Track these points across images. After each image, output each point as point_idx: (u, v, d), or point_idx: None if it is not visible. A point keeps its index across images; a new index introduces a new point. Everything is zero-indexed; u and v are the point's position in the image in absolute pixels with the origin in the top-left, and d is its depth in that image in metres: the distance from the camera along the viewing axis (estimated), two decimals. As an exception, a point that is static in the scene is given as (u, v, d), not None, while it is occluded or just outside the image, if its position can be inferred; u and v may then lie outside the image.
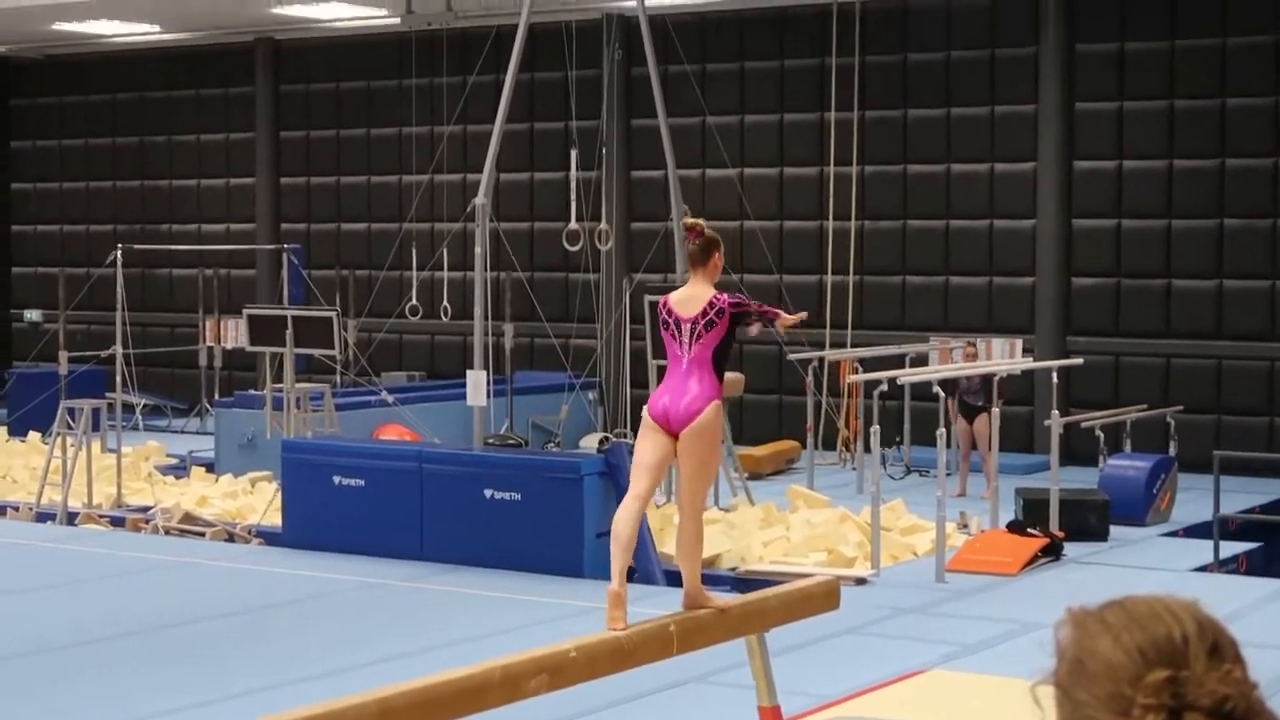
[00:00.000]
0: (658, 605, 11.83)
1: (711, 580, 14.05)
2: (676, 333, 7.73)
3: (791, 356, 20.52)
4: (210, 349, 25.53)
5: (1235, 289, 20.50)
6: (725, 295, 7.76)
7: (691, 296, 7.76)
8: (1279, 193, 20.26)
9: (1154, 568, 14.12)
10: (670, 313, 7.73)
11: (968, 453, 18.27)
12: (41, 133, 29.70)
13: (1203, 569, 14.38)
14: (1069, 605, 2.15)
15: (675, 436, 7.62)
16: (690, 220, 8.07)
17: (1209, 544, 15.03)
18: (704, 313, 7.65)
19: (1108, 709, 2.02)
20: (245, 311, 19.76)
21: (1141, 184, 20.95)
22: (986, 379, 17.50)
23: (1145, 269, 20.95)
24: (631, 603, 12.82)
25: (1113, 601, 2.11)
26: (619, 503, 14.19)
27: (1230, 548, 15.29)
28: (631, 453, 15.96)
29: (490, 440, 18.29)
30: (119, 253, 22.45)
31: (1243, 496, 17.62)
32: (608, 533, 14.24)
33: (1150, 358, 20.93)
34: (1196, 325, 20.67)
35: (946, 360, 20.13)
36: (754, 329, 8.40)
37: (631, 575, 14.10)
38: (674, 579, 13.85)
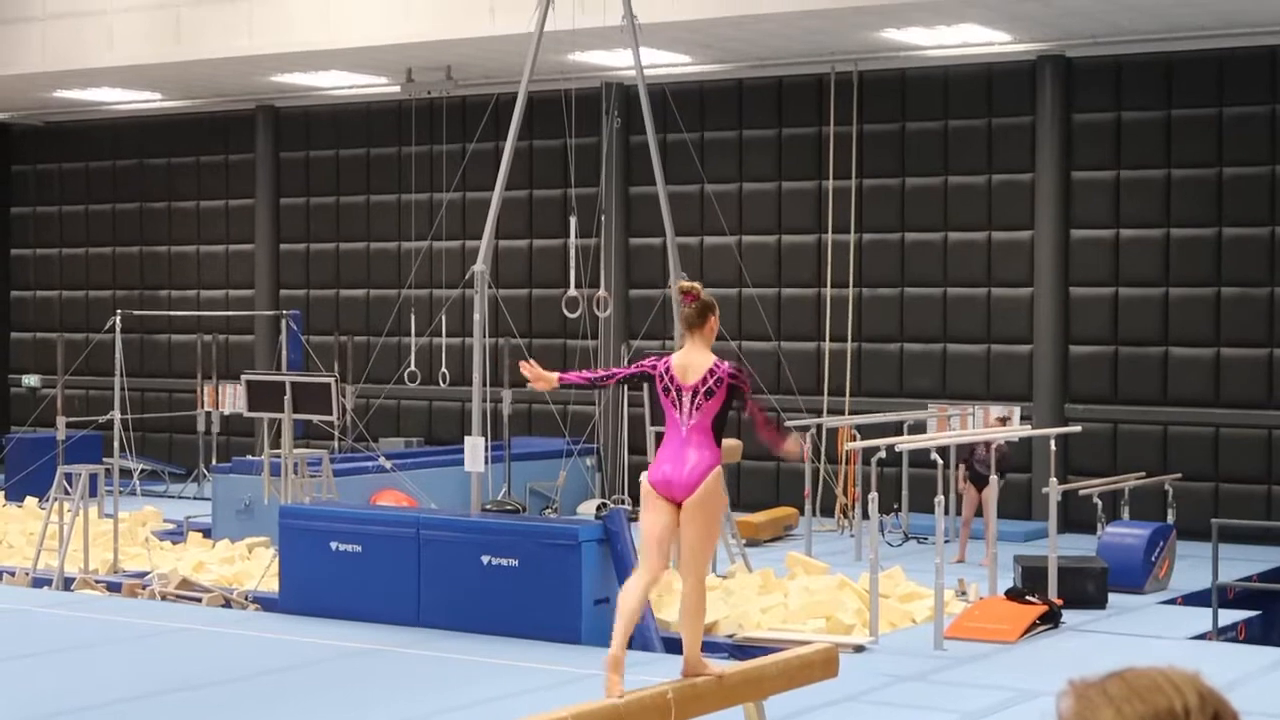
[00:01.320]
0: (655, 673, 11.79)
1: (709, 647, 13.99)
2: (677, 400, 7.74)
3: (790, 423, 20.48)
4: (208, 414, 25.51)
5: (1233, 357, 20.51)
6: (725, 364, 7.79)
7: (691, 364, 7.78)
8: (1276, 261, 20.31)
9: (1153, 635, 14.06)
10: (672, 379, 7.74)
11: (969, 519, 18.23)
12: (41, 198, 29.78)
13: (1201, 637, 14.33)
14: (1070, 677, 2.15)
15: (678, 504, 7.62)
16: (686, 284, 8.09)
17: (1207, 612, 14.98)
18: (704, 380, 7.69)
19: None
20: (244, 377, 19.75)
21: (1139, 252, 20.99)
22: (1000, 447, 17.51)
23: (1143, 337, 20.97)
24: (629, 670, 12.79)
25: (1114, 673, 2.11)
26: (617, 570, 14.24)
27: (1229, 616, 15.24)
28: (630, 519, 15.93)
29: (488, 506, 18.26)
30: (118, 318, 22.46)
31: (1241, 564, 17.59)
32: (606, 600, 14.26)
33: (1148, 425, 20.92)
34: (1194, 393, 20.68)
35: (944, 428, 20.11)
36: (746, 412, 8.39)
37: (630, 643, 14.09)
38: (672, 646, 13.81)
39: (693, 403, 7.72)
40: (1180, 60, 20.76)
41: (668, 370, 7.78)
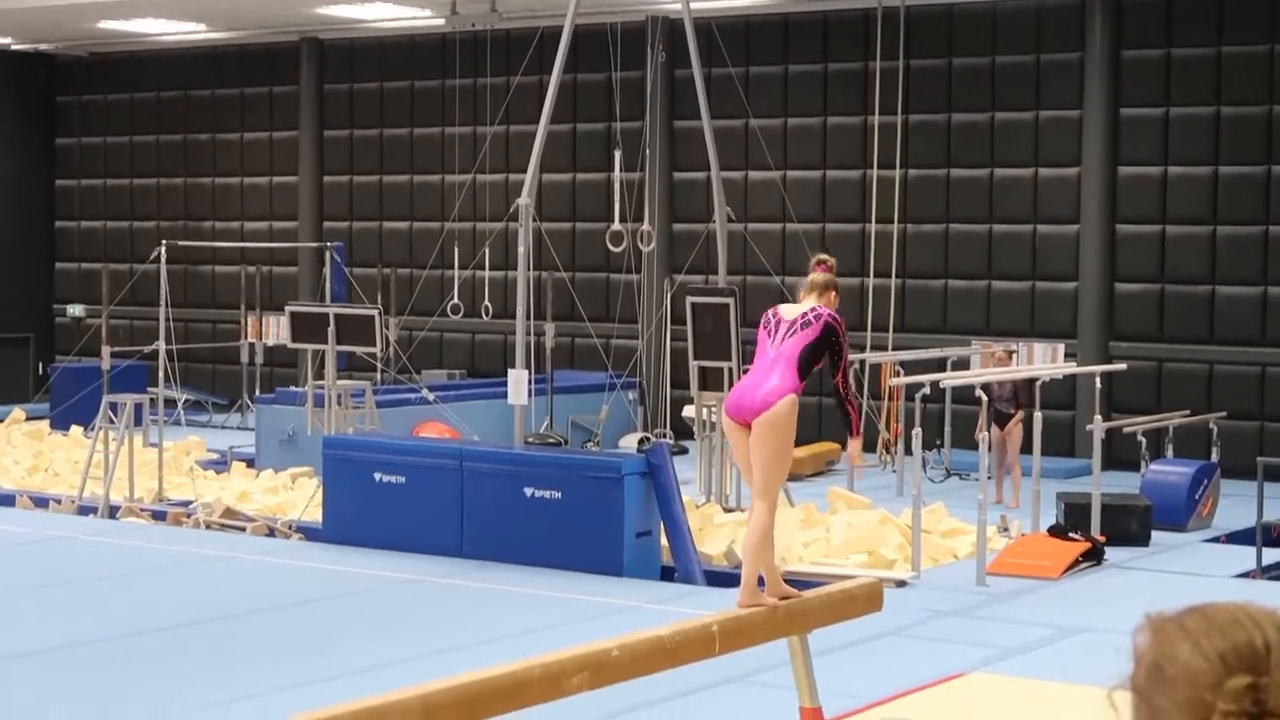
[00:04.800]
0: (698, 605, 11.80)
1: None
2: (773, 331, 7.94)
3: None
4: (252, 345, 25.58)
5: (1280, 296, 20.35)
6: (829, 310, 7.99)
7: (798, 306, 8.08)
8: (1325, 200, 20.11)
9: (1196, 573, 14.00)
10: (776, 314, 7.99)
11: (1001, 459, 18.07)
12: (86, 130, 29.81)
13: (1245, 575, 14.26)
14: (1147, 611, 2.11)
15: (748, 427, 7.68)
16: (824, 255, 8.71)
17: (1251, 550, 14.90)
18: (804, 315, 7.92)
19: (1186, 715, 1.98)
20: (287, 308, 19.76)
21: (1186, 190, 20.81)
22: (1017, 384, 17.41)
23: (1189, 275, 20.81)
24: (670, 601, 12.83)
25: (1193, 607, 2.07)
26: (660, 503, 14.26)
27: (1273, 554, 15.14)
28: (673, 453, 15.96)
29: (530, 439, 18.29)
30: (163, 249, 22.47)
31: (1286, 504, 17.48)
32: (648, 532, 14.30)
33: (1194, 364, 20.79)
34: (1241, 332, 20.52)
35: (989, 364, 19.99)
36: (837, 371, 8.44)
37: (672, 575, 14.10)
38: (713, 579, 13.84)
39: (787, 332, 7.90)
40: (1232, -4, 20.54)
41: (774, 312, 8.04)
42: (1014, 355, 19.46)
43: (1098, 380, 16.72)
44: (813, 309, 8.05)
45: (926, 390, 17.42)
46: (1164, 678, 2.01)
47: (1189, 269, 20.82)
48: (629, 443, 21.39)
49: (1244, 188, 20.49)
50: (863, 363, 20.23)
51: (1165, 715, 1.99)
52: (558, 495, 14.14)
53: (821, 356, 7.99)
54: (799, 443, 21.14)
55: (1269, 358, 20.41)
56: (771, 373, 7.77)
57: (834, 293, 8.30)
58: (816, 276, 8.35)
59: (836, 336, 8.03)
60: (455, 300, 21.83)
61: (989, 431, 17.27)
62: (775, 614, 7.57)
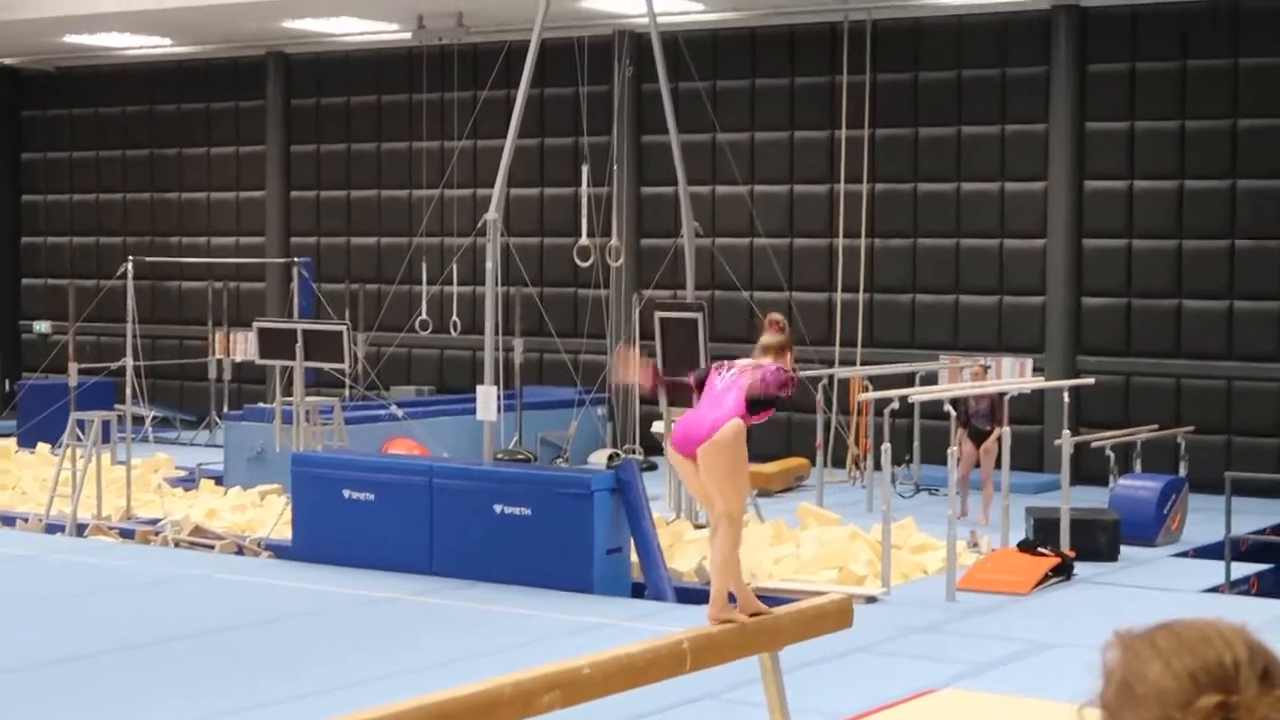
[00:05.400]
0: (668, 622, 11.80)
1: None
2: (724, 371, 7.70)
3: (801, 374, 20.40)
4: (219, 362, 25.51)
5: (1246, 310, 20.43)
6: (776, 368, 7.72)
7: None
8: (1290, 213, 20.21)
9: (1165, 588, 14.05)
10: (730, 363, 7.76)
11: (967, 475, 18.03)
12: (52, 144, 29.70)
13: (1214, 590, 14.31)
14: (1116, 628, 2.12)
15: (694, 459, 7.55)
16: (777, 315, 8.60)
17: (1220, 565, 14.96)
18: (756, 363, 7.67)
19: None
20: (255, 324, 19.72)
21: (1152, 204, 20.90)
22: (994, 400, 17.43)
23: (1156, 289, 20.89)
24: (641, 618, 12.82)
25: (1162, 625, 2.08)
26: (629, 519, 14.24)
27: (1242, 569, 15.22)
28: (642, 469, 15.94)
29: (500, 455, 18.26)
30: (129, 264, 22.40)
31: (1254, 518, 17.56)
32: (618, 549, 14.28)
33: (1161, 378, 20.87)
34: (1207, 346, 20.61)
35: (956, 379, 20.03)
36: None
37: (642, 592, 14.10)
38: (684, 595, 13.84)
39: (740, 371, 7.67)
40: (1195, 11, 20.62)
41: (729, 362, 7.86)
42: (988, 370, 19.46)
43: (1066, 395, 16.76)
44: (764, 364, 7.71)
45: (895, 405, 17.44)
46: (1134, 695, 2.02)
47: (1155, 283, 20.91)
48: (598, 459, 21.37)
49: (1209, 201, 20.58)
50: (831, 378, 20.26)
51: (1135, 733, 2.01)
52: (527, 512, 14.13)
53: (772, 406, 7.78)
54: (767, 459, 21.18)
55: (1236, 371, 20.50)
56: (720, 403, 7.59)
57: (789, 354, 7.95)
58: (769, 339, 8.01)
59: (770, 391, 7.67)
60: (423, 316, 21.80)
61: (959, 446, 17.30)
62: (745, 631, 7.57)
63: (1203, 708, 1.95)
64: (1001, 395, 17.03)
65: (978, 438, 17.71)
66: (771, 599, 10.31)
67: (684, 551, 15.13)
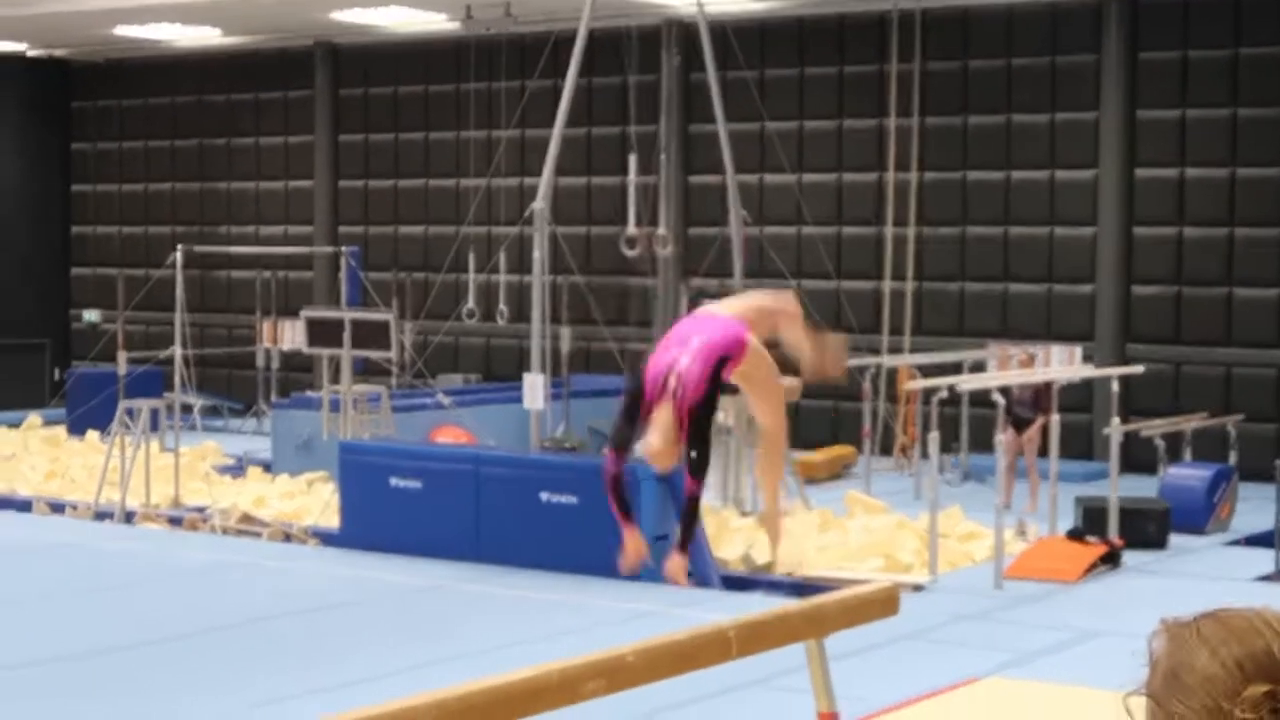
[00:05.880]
0: (714, 609, 11.78)
1: (767, 586, 14.00)
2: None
3: (850, 362, 20.37)
4: (267, 350, 25.59)
5: (1298, 298, 20.30)
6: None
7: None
8: (1343, 201, 20.06)
9: (1214, 577, 13.97)
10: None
11: (1013, 464, 17.94)
12: (101, 135, 29.86)
13: (1264, 579, 14.21)
14: (1163, 617, 2.10)
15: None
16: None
17: (1270, 553, 14.85)
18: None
19: None
20: (303, 314, 19.79)
21: (1203, 192, 20.77)
22: (1038, 389, 17.35)
23: (1206, 277, 20.76)
24: (687, 606, 12.81)
25: (1207, 614, 2.06)
26: (676, 507, 14.22)
27: (1292, 558, 15.10)
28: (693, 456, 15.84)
29: (546, 443, 18.26)
30: (178, 254, 22.48)
31: (1304, 507, 17.42)
32: (664, 536, 14.24)
33: (1211, 366, 20.74)
34: (1258, 334, 20.48)
35: (1005, 367, 19.93)
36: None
37: (690, 577, 14.07)
38: (730, 583, 13.83)
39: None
40: (1247, 0, 20.50)
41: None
42: (1035, 359, 19.36)
43: (1115, 383, 16.67)
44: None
45: (943, 394, 17.37)
46: (1181, 685, 2.00)
47: (1206, 271, 20.78)
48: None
49: (1261, 189, 20.44)
50: (879, 366, 20.19)
51: (1182, 720, 1.99)
52: (574, 500, 14.14)
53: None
54: (815, 446, 21.12)
55: (1287, 360, 20.35)
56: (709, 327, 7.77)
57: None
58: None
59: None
60: (470, 305, 21.82)
61: (1004, 434, 17.22)
62: (790, 619, 7.56)
63: (1250, 697, 1.94)
64: (1048, 385, 16.93)
65: (1020, 426, 17.63)
66: (818, 587, 10.29)
67: (730, 539, 15.11)
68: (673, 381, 7.58)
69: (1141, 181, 21.14)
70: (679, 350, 7.59)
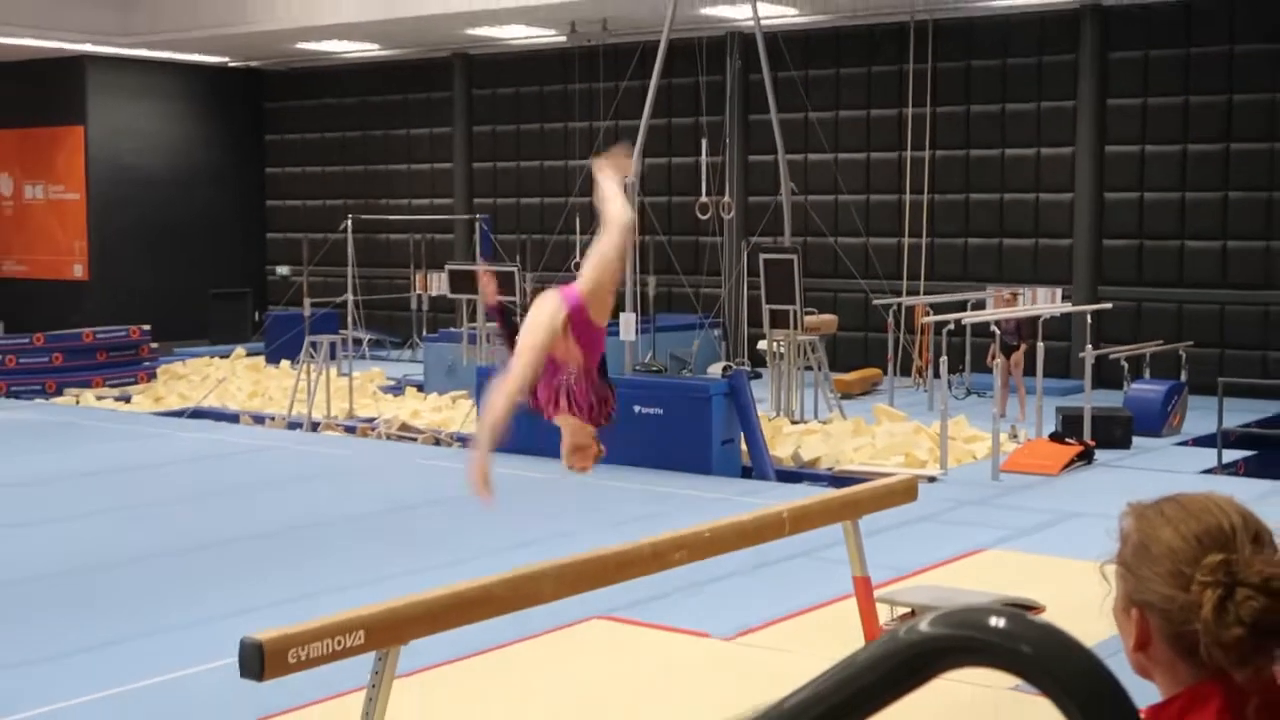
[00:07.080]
0: (771, 497, 11.80)
1: (812, 478, 13.98)
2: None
3: (876, 302, 20.36)
4: (420, 296, 25.71)
5: (1237, 248, 19.96)
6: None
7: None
8: (1273, 171, 19.68)
9: (1169, 470, 13.83)
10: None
11: (1005, 382, 17.77)
12: (288, 129, 29.98)
13: (1209, 472, 14.07)
14: (1130, 500, 2.08)
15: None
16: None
17: (1213, 452, 14.72)
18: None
19: (1168, 584, 1.96)
20: (447, 267, 19.84)
21: (1161, 165, 20.43)
22: (1019, 322, 17.20)
23: (1164, 232, 20.45)
24: (749, 494, 12.79)
25: (1168, 497, 2.05)
26: (739, 416, 14.18)
27: (1231, 455, 14.95)
28: (750, 378, 15.79)
29: (638, 367, 18.28)
30: (349, 221, 22.64)
31: (1241, 414, 17.22)
32: (730, 440, 14.23)
33: (1166, 303, 20.46)
34: (1205, 277, 20.17)
35: (1000, 305, 19.76)
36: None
37: (750, 473, 14.09)
38: (783, 475, 13.80)
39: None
40: (1199, 7, 20.05)
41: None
42: (1019, 297, 19.18)
43: (1089, 317, 16.52)
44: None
45: (951, 326, 17.25)
46: (1149, 555, 1.98)
47: (1163, 227, 20.47)
48: (715, 370, 21.33)
49: (1209, 162, 20.09)
50: (900, 304, 20.06)
51: (1149, 584, 1.97)
52: (660, 412, 14.16)
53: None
54: (849, 369, 20.98)
55: (1228, 298, 20.04)
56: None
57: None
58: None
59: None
60: (578, 260, 21.79)
61: (999, 359, 17.09)
62: (831, 503, 7.55)
63: (1209, 563, 1.92)
64: (1032, 319, 16.76)
65: (1007, 351, 17.48)
66: (852, 479, 10.25)
67: (783, 442, 15.09)
68: (563, 400, 5.91)
69: (1111, 156, 20.82)
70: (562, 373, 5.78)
